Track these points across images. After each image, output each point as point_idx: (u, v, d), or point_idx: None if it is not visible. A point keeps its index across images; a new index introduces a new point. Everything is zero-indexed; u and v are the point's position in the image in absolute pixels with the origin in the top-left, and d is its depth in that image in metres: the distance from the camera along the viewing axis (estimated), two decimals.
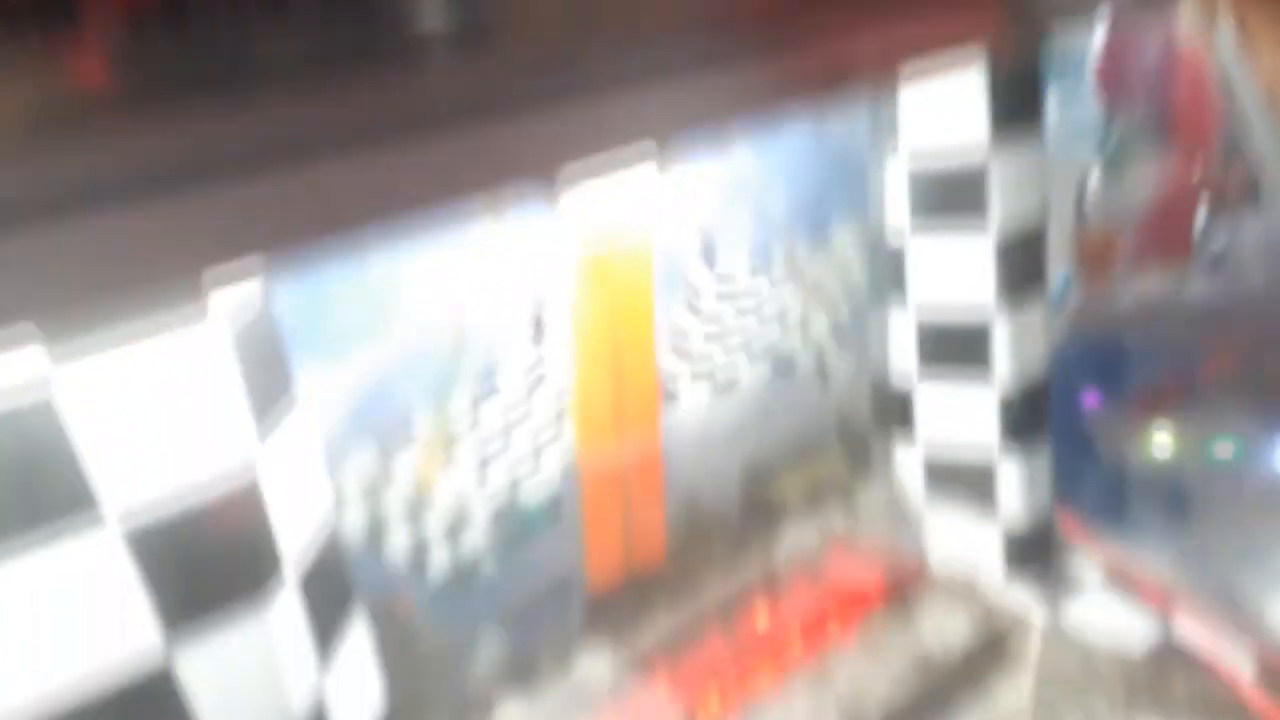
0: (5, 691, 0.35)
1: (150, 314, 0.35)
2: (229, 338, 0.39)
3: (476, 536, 0.62)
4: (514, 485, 0.63)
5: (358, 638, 0.50)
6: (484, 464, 0.61)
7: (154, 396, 0.37)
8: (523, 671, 0.66)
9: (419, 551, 0.59)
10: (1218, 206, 1.01)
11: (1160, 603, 0.81)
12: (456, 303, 0.57)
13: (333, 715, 0.46)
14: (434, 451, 0.58)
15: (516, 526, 0.64)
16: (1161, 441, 0.96)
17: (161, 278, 0.33)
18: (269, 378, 0.42)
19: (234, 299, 0.40)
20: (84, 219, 0.30)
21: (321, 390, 0.52)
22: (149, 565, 0.37)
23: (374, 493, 0.56)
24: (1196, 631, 0.78)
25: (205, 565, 0.39)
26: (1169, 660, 0.76)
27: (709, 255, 0.70)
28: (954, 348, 0.79)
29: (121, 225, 0.30)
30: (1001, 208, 0.73)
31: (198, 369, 0.38)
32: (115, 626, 0.37)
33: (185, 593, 0.38)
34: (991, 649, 0.84)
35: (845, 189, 0.78)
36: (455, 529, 0.61)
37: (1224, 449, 0.93)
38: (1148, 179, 1.01)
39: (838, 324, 0.81)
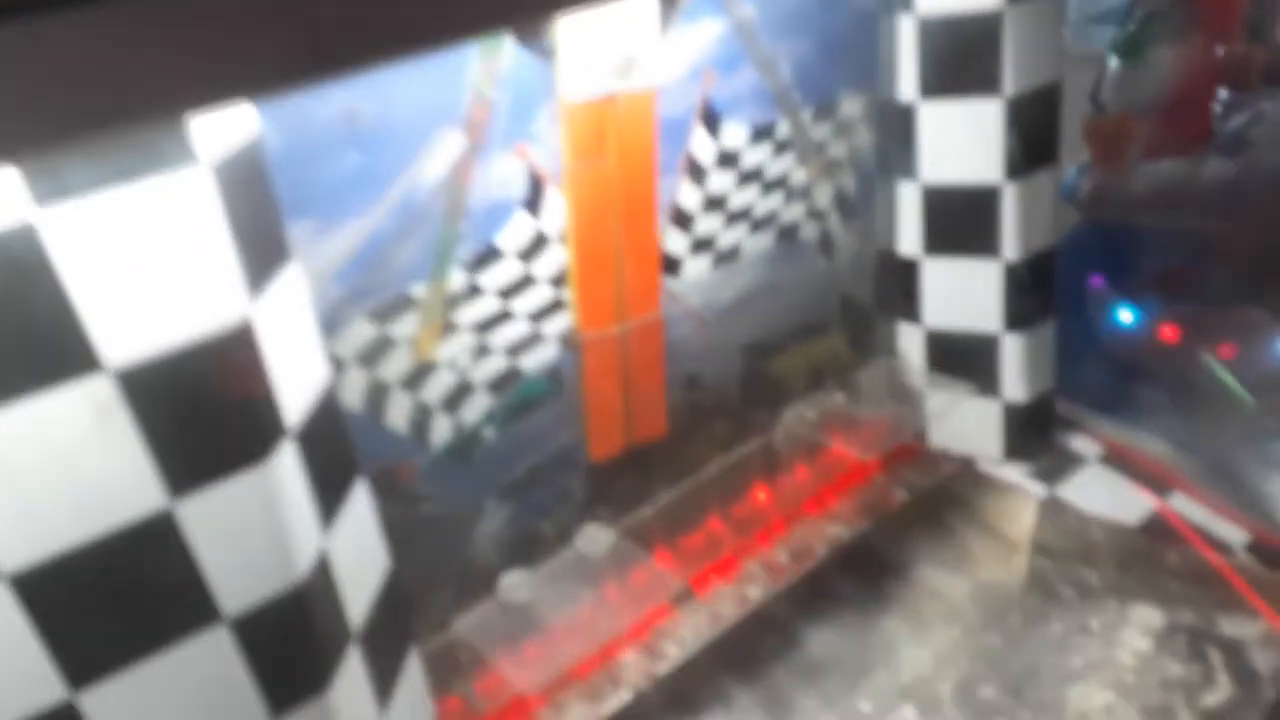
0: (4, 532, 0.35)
1: (131, 148, 0.34)
2: (216, 184, 0.37)
3: (476, 407, 0.62)
4: (513, 355, 0.63)
5: (360, 502, 0.50)
6: (482, 333, 0.60)
7: (141, 242, 0.35)
8: (524, 543, 0.67)
9: (419, 421, 0.59)
10: (1238, 90, 0.98)
11: (1158, 479, 0.83)
12: (453, 164, 0.55)
13: (337, 574, 0.46)
14: (431, 319, 0.57)
15: (516, 397, 0.63)
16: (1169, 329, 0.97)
17: (142, 111, 0.31)
18: (259, 229, 0.41)
19: (223, 146, 0.38)
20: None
21: (314, 252, 0.51)
22: (146, 414, 0.36)
23: (371, 360, 0.56)
24: (1190, 507, 0.80)
25: (203, 414, 0.38)
26: (1162, 533, 0.77)
27: (711, 122, 0.68)
28: (961, 218, 0.78)
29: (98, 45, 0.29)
30: (1014, 67, 0.71)
31: (184, 215, 0.37)
32: (114, 473, 0.36)
33: (183, 441, 0.38)
34: (986, 524, 0.85)
35: (854, 53, 0.75)
36: (455, 399, 0.60)
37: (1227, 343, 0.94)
38: (1168, 64, 0.97)
39: (843, 195, 0.80)
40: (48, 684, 0.37)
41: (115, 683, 0.38)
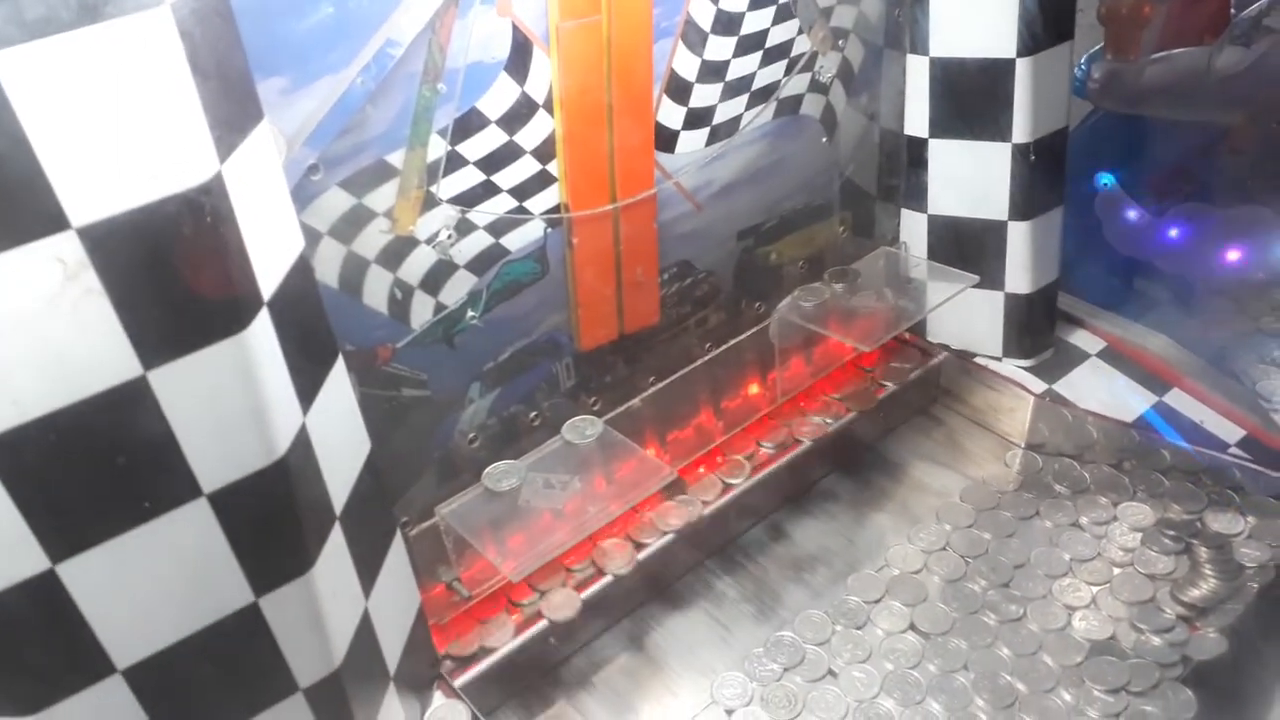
0: None
1: None
2: (177, 26, 0.36)
3: (458, 287, 0.61)
4: (497, 233, 0.62)
5: (339, 381, 0.50)
6: (464, 209, 0.60)
7: (103, 89, 0.35)
8: (510, 431, 0.68)
9: (398, 300, 0.59)
10: None
11: (1156, 376, 0.85)
12: (433, 15, 0.53)
13: (318, 453, 0.47)
14: (409, 189, 0.56)
15: (500, 279, 0.63)
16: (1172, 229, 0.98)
17: None
18: (227, 83, 0.40)
19: None
20: None
21: (284, 114, 0.50)
22: (116, 276, 0.36)
23: (347, 233, 0.55)
24: (1188, 403, 0.82)
25: (175, 279, 0.38)
26: (1156, 430, 0.80)
27: None
28: (972, 95, 0.77)
29: None
30: None
31: (146, 60, 0.35)
32: (85, 339, 0.36)
33: (156, 307, 0.38)
34: (982, 419, 0.88)
35: None
36: (435, 278, 0.60)
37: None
38: None
39: (848, 67, 0.78)
40: (30, 553, 0.38)
41: (96, 554, 0.39)
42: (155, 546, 0.41)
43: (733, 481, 0.77)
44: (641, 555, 0.72)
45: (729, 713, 0.65)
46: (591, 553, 0.72)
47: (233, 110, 0.40)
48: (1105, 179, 1.03)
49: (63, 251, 0.35)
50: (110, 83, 0.35)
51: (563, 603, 0.68)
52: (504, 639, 0.66)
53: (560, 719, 0.67)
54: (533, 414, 0.69)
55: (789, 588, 0.75)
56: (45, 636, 0.40)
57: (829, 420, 0.83)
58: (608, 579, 0.70)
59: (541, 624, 0.67)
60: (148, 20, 0.35)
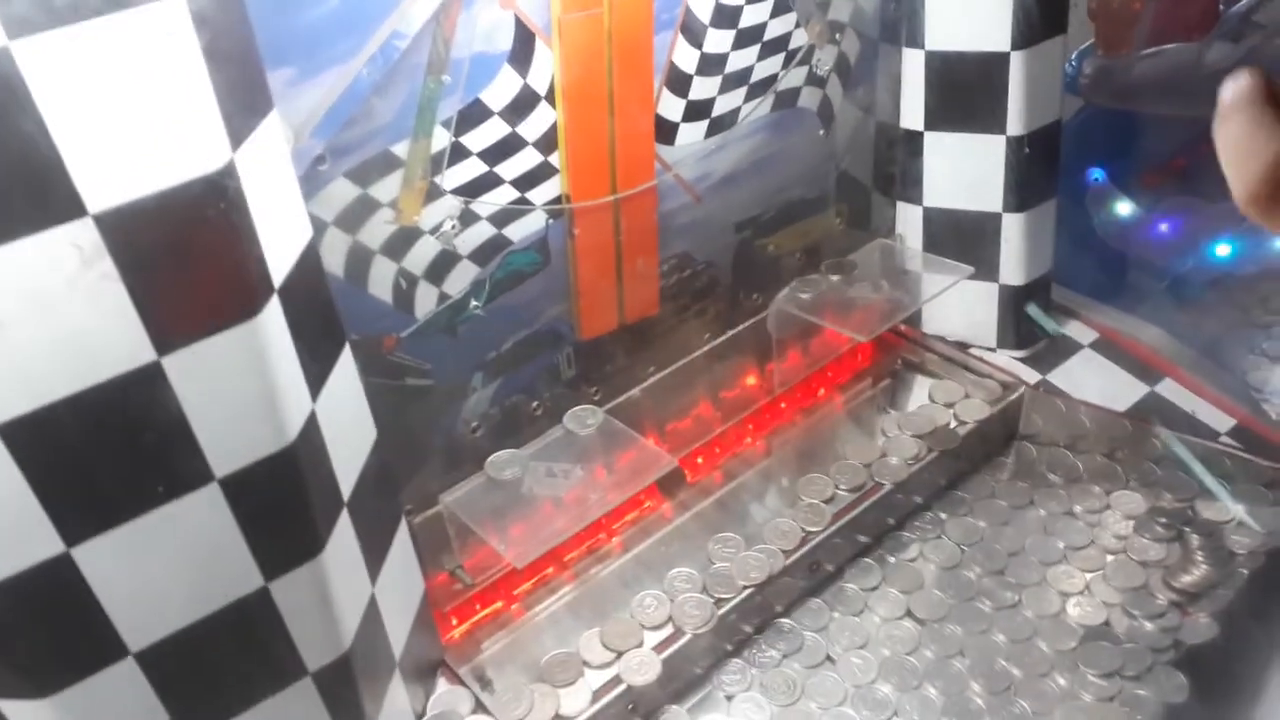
0: None
1: None
2: (191, 17, 0.37)
3: (461, 277, 0.62)
4: (500, 224, 0.63)
5: (346, 369, 0.51)
6: (467, 199, 0.60)
7: (119, 78, 0.35)
8: (512, 420, 0.69)
9: (402, 290, 0.59)
10: None
11: (1149, 366, 0.86)
12: (439, 8, 0.53)
13: (327, 440, 0.48)
14: (414, 180, 0.57)
15: (503, 269, 0.64)
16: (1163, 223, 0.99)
17: None
18: (239, 73, 0.40)
19: None
20: None
21: (291, 104, 0.50)
22: (131, 262, 0.37)
23: (352, 223, 0.56)
24: (1179, 394, 0.83)
25: (189, 265, 0.38)
26: (1150, 417, 0.81)
27: None
28: (967, 88, 0.78)
29: None
30: None
31: (161, 50, 0.36)
32: (100, 325, 0.37)
33: (170, 293, 0.38)
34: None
35: None
36: (439, 267, 0.61)
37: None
38: None
39: (845, 61, 0.79)
40: (44, 536, 0.38)
41: (111, 538, 0.40)
42: (168, 531, 0.41)
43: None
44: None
45: (729, 698, 0.66)
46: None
47: (244, 99, 0.41)
48: (1096, 174, 1.04)
49: (79, 237, 0.36)
50: (127, 70, 0.35)
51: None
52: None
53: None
54: (534, 403, 0.70)
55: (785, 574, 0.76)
56: (59, 619, 0.41)
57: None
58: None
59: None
60: (164, 9, 0.36)
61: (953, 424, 0.82)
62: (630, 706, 0.63)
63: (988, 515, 0.78)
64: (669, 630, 0.66)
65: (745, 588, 0.68)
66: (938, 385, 0.86)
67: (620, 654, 0.64)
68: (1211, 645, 0.67)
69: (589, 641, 0.66)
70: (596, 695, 0.62)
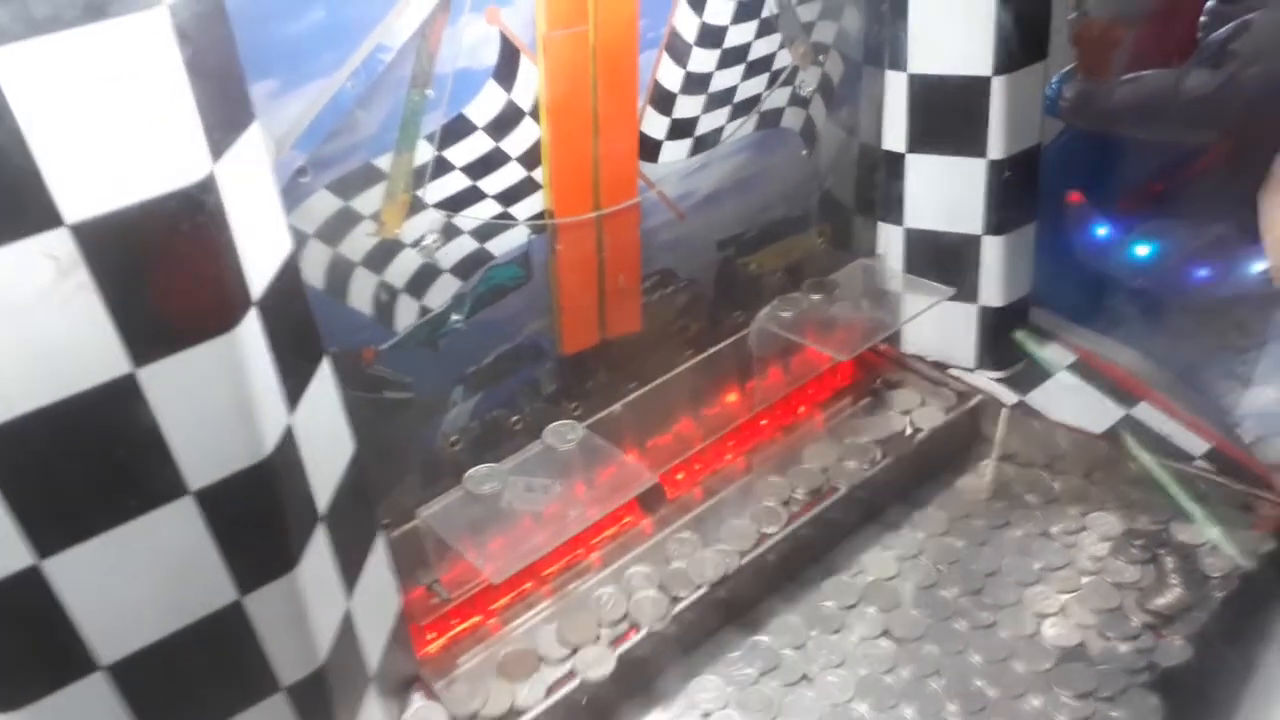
0: None
1: None
2: (174, 26, 0.37)
3: (442, 290, 0.62)
4: (482, 238, 0.63)
5: (324, 382, 0.51)
6: (450, 213, 0.60)
7: (99, 87, 0.35)
8: (492, 434, 0.69)
9: (383, 302, 0.59)
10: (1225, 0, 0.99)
11: (1125, 389, 0.87)
12: (423, 22, 0.54)
13: (303, 453, 0.47)
14: (396, 193, 0.57)
15: (485, 283, 0.64)
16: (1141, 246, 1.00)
17: None
18: (221, 84, 0.40)
19: None
20: None
21: (273, 116, 0.50)
22: (107, 274, 0.36)
23: (333, 235, 0.56)
24: (1155, 416, 0.84)
25: (166, 277, 0.38)
26: (1125, 442, 0.81)
27: None
28: (949, 111, 0.79)
29: None
30: None
31: (143, 59, 0.36)
32: (76, 336, 0.37)
33: (146, 305, 0.38)
34: (959, 432, 0.89)
35: None
36: (420, 281, 0.61)
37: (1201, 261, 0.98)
38: None
39: (828, 82, 0.80)
40: (15, 549, 0.38)
41: (82, 550, 0.39)
42: (141, 543, 0.41)
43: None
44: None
45: (705, 716, 0.66)
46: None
47: (226, 111, 0.41)
48: (1075, 196, 1.05)
49: (55, 248, 0.35)
50: (106, 81, 0.35)
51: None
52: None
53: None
54: (514, 418, 0.70)
55: (762, 592, 0.76)
56: (29, 632, 0.40)
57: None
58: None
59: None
60: (145, 20, 0.36)
61: (908, 430, 0.84)
62: (584, 701, 0.63)
63: (965, 535, 0.79)
64: (626, 627, 0.68)
65: (700, 586, 0.69)
66: (897, 394, 0.88)
67: (576, 649, 0.65)
68: (1186, 667, 0.67)
69: (546, 637, 0.67)
70: (551, 689, 0.63)
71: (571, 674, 0.64)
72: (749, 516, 0.75)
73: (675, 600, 0.68)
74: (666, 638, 0.67)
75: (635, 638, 0.66)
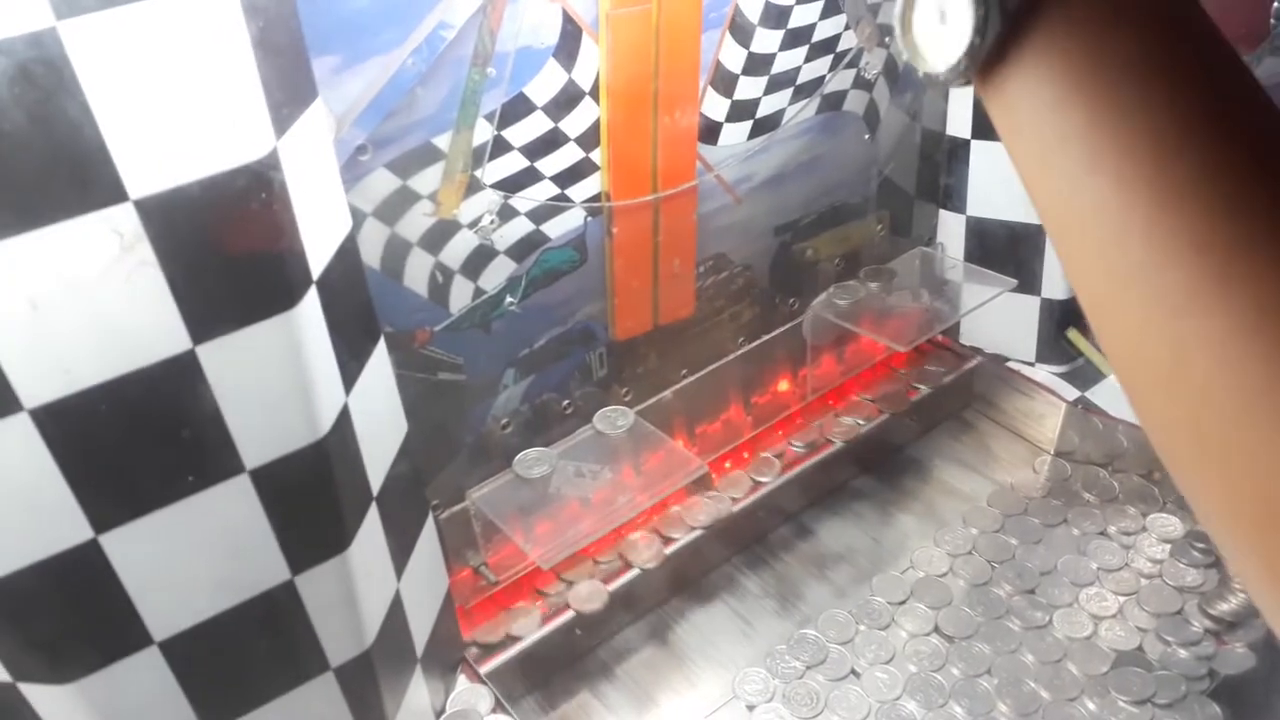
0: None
1: None
2: (243, 6, 0.36)
3: (497, 272, 0.61)
4: (538, 220, 0.62)
5: (380, 363, 0.50)
6: (507, 194, 0.59)
7: (165, 63, 0.34)
8: (542, 418, 0.68)
9: (438, 283, 0.59)
10: None
11: None
12: (484, 5, 0.53)
13: (358, 432, 0.47)
14: (454, 173, 0.56)
15: (539, 265, 0.63)
16: None
17: None
18: (285, 61, 0.40)
19: None
20: None
21: (334, 93, 0.50)
22: (171, 249, 0.36)
23: (391, 214, 0.55)
24: None
25: (229, 254, 0.38)
26: None
27: None
28: None
29: None
30: None
31: (209, 35, 0.35)
32: (138, 311, 0.36)
33: (209, 282, 0.37)
34: (1012, 425, 0.87)
35: None
36: (476, 262, 0.60)
37: None
38: None
39: (893, 65, 0.77)
40: (74, 523, 0.38)
41: (139, 526, 0.39)
42: (197, 521, 0.41)
43: (762, 480, 0.77)
44: (669, 549, 0.71)
45: (750, 708, 0.65)
46: (619, 545, 0.72)
47: (290, 87, 0.40)
48: None
49: (120, 223, 0.35)
50: (174, 55, 0.35)
51: (590, 594, 0.68)
52: (530, 628, 0.66)
53: (583, 708, 0.66)
54: (565, 402, 0.69)
55: (813, 586, 0.75)
56: (85, 606, 0.40)
57: (861, 421, 0.82)
58: (635, 572, 0.70)
59: (568, 614, 0.67)
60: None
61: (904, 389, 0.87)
62: (578, 632, 0.68)
63: (1020, 532, 0.77)
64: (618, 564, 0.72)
65: (693, 529, 0.73)
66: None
67: (571, 584, 0.69)
68: (1248, 676, 0.65)
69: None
70: (545, 620, 0.67)
71: (566, 605, 0.68)
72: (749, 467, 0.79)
73: (668, 541, 0.73)
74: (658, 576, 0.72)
75: (627, 575, 0.70)
